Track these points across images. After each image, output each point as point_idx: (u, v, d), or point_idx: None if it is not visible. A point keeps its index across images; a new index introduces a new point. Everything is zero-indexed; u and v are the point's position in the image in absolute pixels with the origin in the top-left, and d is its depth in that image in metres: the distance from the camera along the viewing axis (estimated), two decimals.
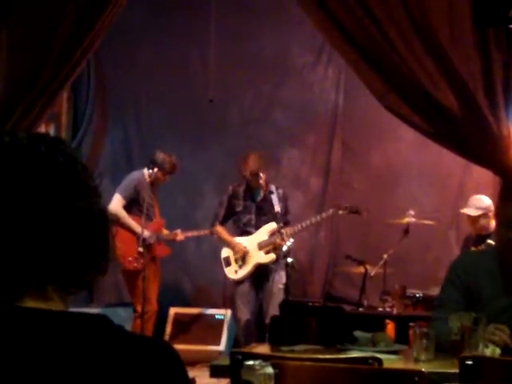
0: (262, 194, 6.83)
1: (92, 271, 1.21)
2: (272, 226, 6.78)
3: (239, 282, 6.87)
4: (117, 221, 6.98)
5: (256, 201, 6.85)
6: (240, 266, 6.88)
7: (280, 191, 6.87)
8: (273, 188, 6.84)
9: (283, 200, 6.85)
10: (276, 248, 6.72)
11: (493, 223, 6.35)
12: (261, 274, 6.80)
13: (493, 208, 6.30)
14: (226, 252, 6.97)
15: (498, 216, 3.50)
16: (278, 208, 6.71)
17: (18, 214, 1.14)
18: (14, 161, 1.16)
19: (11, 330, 1.11)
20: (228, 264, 6.94)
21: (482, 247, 6.08)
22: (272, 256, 6.77)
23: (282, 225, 6.68)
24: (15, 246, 1.14)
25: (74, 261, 1.18)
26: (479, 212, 6.43)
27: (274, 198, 6.77)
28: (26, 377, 1.09)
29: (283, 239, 6.52)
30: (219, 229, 6.96)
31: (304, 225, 6.90)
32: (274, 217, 6.74)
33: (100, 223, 1.22)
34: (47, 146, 1.18)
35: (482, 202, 6.46)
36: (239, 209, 6.87)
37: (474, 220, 6.49)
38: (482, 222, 6.44)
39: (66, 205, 1.17)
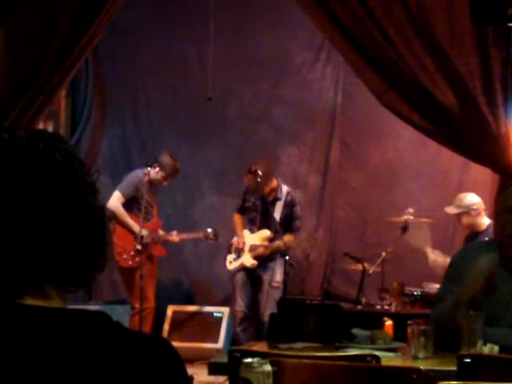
0: (270, 197, 6.85)
1: (90, 269, 1.21)
2: (265, 233, 6.81)
3: (235, 274, 6.92)
4: (115, 218, 6.98)
5: (264, 201, 6.87)
6: (234, 259, 6.93)
7: (289, 197, 6.87)
8: (283, 193, 6.84)
9: (289, 206, 6.85)
10: (259, 256, 6.76)
11: (481, 220, 6.40)
12: (254, 276, 6.82)
13: (476, 206, 6.36)
14: (234, 240, 7.03)
15: (498, 205, 3.51)
16: (277, 215, 6.72)
17: (17, 212, 1.14)
18: (13, 159, 1.16)
19: (11, 327, 1.11)
20: (229, 252, 7.01)
21: None
22: (253, 262, 6.82)
23: (278, 233, 6.69)
24: (14, 245, 1.14)
25: (72, 258, 1.18)
26: (458, 210, 6.50)
27: (279, 204, 6.79)
28: (25, 373, 1.09)
29: (267, 250, 6.60)
30: (235, 217, 7.08)
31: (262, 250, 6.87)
32: (271, 223, 6.77)
33: (97, 220, 1.22)
34: (45, 144, 1.18)
35: (462, 201, 6.53)
36: (248, 204, 6.94)
37: (457, 218, 6.58)
38: (465, 220, 6.51)
39: (64, 202, 1.17)
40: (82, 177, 1.21)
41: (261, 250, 6.72)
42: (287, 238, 6.77)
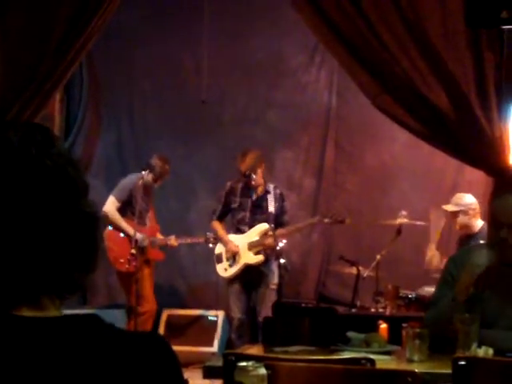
0: (258, 192, 6.83)
1: (85, 274, 1.20)
2: (263, 226, 6.77)
3: (231, 281, 6.88)
4: (109, 223, 6.97)
5: (252, 198, 6.85)
6: (230, 265, 6.88)
7: (277, 191, 6.89)
8: (270, 187, 6.85)
9: (279, 200, 6.86)
10: (266, 249, 6.72)
11: (475, 222, 6.43)
12: (253, 274, 6.80)
13: (474, 206, 6.39)
14: (219, 248, 6.98)
15: (489, 216, 3.53)
16: (271, 208, 6.71)
17: (10, 222, 1.12)
18: (5, 166, 1.14)
19: (6, 339, 1.11)
20: (219, 261, 6.95)
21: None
22: (260, 257, 6.77)
23: (273, 226, 6.69)
24: (8, 256, 1.12)
25: (67, 267, 1.17)
26: (457, 208, 6.53)
27: (270, 197, 6.78)
28: (24, 377, 1.09)
29: (274, 241, 6.53)
30: (215, 224, 6.97)
31: (293, 228, 6.90)
32: (267, 217, 6.75)
33: (91, 223, 1.20)
34: (37, 148, 1.16)
35: (462, 200, 6.57)
36: (235, 205, 6.87)
37: (452, 216, 6.59)
38: (461, 218, 6.52)
39: (57, 209, 1.15)
40: (76, 180, 1.19)
41: (267, 242, 6.67)
42: (280, 232, 6.75)
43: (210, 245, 7.10)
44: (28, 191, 1.14)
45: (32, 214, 1.14)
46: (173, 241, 7.27)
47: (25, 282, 1.14)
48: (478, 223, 6.49)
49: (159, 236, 7.35)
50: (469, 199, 6.53)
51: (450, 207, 6.61)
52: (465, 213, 6.51)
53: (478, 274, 3.24)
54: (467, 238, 6.53)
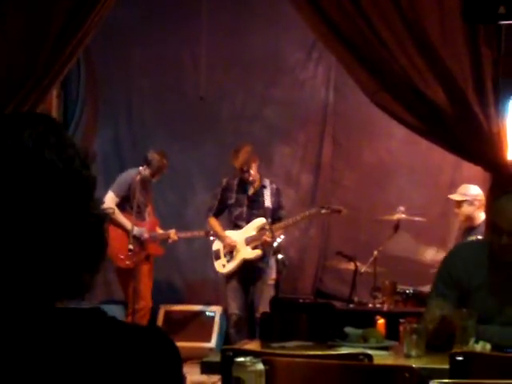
0: (254, 187, 6.84)
1: (92, 273, 1.21)
2: (261, 221, 6.78)
3: (229, 277, 6.88)
4: (109, 219, 6.97)
5: (248, 194, 6.85)
6: (228, 261, 6.89)
7: (273, 186, 6.90)
8: (266, 182, 6.86)
9: (276, 195, 6.87)
10: (263, 244, 6.72)
11: (479, 214, 6.44)
12: (250, 269, 6.81)
13: (480, 198, 6.40)
14: (216, 245, 6.98)
15: (489, 222, 3.53)
16: (268, 203, 6.72)
17: (18, 226, 1.13)
18: (18, 169, 1.14)
19: (12, 328, 1.12)
20: (217, 257, 6.96)
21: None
22: (258, 252, 6.77)
23: (270, 220, 6.69)
24: (17, 263, 1.13)
25: (77, 270, 1.18)
26: (463, 198, 6.54)
27: (267, 192, 6.79)
28: (31, 370, 1.11)
29: (271, 235, 6.54)
30: (212, 221, 6.97)
31: (291, 221, 6.90)
32: (264, 212, 6.75)
33: (99, 224, 1.21)
34: (51, 151, 1.16)
35: (468, 190, 6.58)
36: (231, 201, 6.88)
37: (458, 205, 6.59)
38: (466, 208, 6.53)
39: (69, 213, 1.16)
40: (87, 183, 1.20)
41: (264, 237, 6.67)
42: (277, 226, 6.76)
43: (211, 238, 7.07)
44: (39, 194, 1.14)
45: (40, 217, 1.14)
46: (173, 234, 7.26)
47: (36, 288, 1.15)
48: (481, 216, 6.49)
49: (159, 230, 7.35)
50: (475, 190, 6.55)
51: (456, 196, 6.62)
52: (470, 203, 6.52)
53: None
54: (468, 230, 6.53)
